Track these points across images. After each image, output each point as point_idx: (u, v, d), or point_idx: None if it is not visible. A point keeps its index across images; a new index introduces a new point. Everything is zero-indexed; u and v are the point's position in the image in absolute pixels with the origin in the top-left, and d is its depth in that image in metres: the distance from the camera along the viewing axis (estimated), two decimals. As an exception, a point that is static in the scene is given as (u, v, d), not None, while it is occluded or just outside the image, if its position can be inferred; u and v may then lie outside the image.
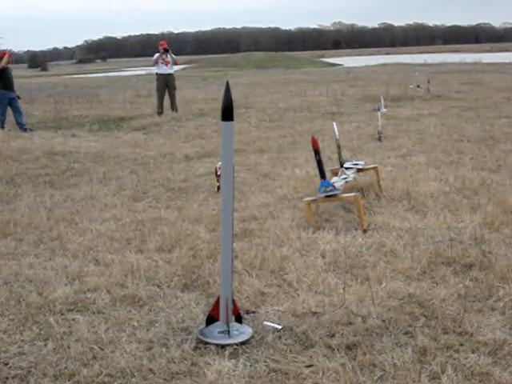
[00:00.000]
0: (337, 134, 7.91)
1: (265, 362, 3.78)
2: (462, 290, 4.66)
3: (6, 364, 3.86)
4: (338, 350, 3.87)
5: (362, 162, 8.17)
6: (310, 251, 5.70)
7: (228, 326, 4.09)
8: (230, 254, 4.10)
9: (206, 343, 4.01)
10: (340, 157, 7.87)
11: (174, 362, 3.80)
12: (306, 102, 19.29)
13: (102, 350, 3.97)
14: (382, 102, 11.44)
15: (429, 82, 21.08)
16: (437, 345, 3.90)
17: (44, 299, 4.76)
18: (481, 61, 44.25)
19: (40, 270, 5.41)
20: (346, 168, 7.71)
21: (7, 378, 3.70)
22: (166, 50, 18.30)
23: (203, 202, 7.69)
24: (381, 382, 3.55)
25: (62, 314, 4.53)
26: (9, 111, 16.10)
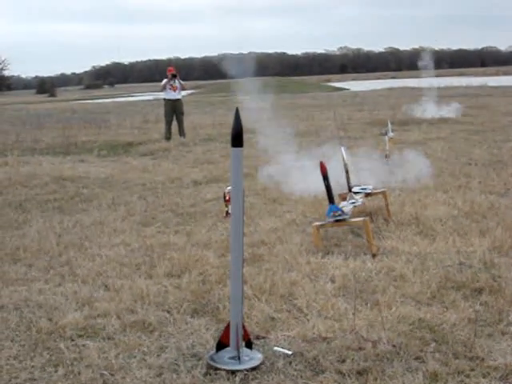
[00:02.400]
0: (345, 158, 7.93)
1: (275, 387, 3.78)
2: (472, 315, 4.65)
3: (17, 390, 3.87)
4: (348, 375, 3.86)
5: (370, 187, 8.18)
6: (320, 276, 5.70)
7: (238, 351, 4.09)
8: (240, 279, 4.11)
9: (217, 369, 4.01)
10: (348, 181, 7.88)
11: (185, 388, 3.80)
12: (314, 127, 19.36)
13: (113, 375, 3.97)
14: (390, 126, 11.43)
15: None
16: (448, 370, 3.88)
17: (54, 325, 4.77)
18: (487, 84, 44.34)
19: (50, 296, 5.43)
20: (355, 192, 7.72)
21: (18, 405, 3.71)
22: (174, 76, 18.41)
23: (212, 227, 7.71)
24: (392, 408, 3.54)
25: (73, 340, 4.54)
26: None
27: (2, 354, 4.34)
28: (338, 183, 9.37)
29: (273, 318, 4.79)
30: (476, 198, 8.40)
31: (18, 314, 5.05)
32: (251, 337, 4.30)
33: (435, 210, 7.88)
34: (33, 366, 4.16)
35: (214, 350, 4.19)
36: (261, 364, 4.06)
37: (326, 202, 6.75)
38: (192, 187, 10.69)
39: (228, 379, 3.90)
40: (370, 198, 8.08)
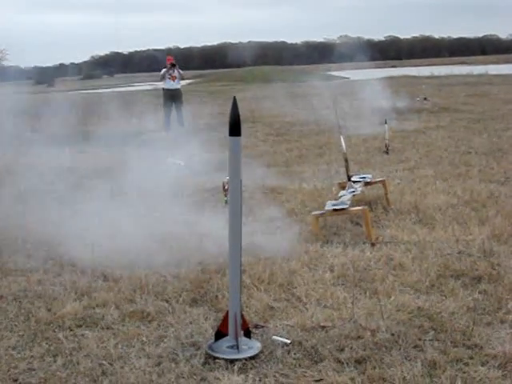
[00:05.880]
0: (344, 147, 7.92)
1: (274, 376, 3.78)
2: (471, 303, 4.66)
3: (16, 380, 3.88)
4: (347, 364, 3.86)
5: (369, 176, 8.17)
6: (318, 265, 5.70)
7: (237, 340, 4.09)
8: (239, 268, 4.11)
9: (215, 358, 4.02)
10: (347, 170, 7.87)
11: (184, 377, 3.80)
12: (313, 116, 19.31)
13: (112, 365, 3.98)
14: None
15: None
16: (446, 358, 3.89)
17: (53, 315, 4.78)
18: (487, 72, 44.18)
19: (49, 286, 5.43)
20: (354, 181, 7.71)
21: (17, 395, 3.72)
22: (173, 65, 18.35)
23: (211, 217, 7.69)
24: (390, 396, 3.55)
25: (71, 330, 4.54)
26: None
27: (1, 345, 4.35)
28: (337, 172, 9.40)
29: (271, 307, 4.80)
30: (476, 187, 8.40)
31: (16, 305, 5.06)
32: (250, 326, 4.31)
33: (435, 198, 7.88)
34: (32, 356, 4.16)
35: (213, 339, 4.20)
36: (259, 353, 4.06)
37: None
38: (191, 177, 10.66)
39: (227, 368, 3.91)
40: (369, 186, 8.07)
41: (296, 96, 29.04)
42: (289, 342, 4.19)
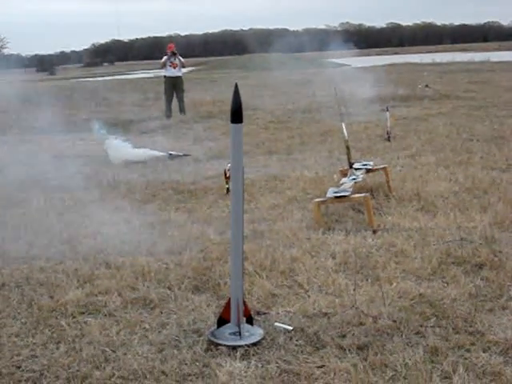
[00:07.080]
0: (346, 134, 7.91)
1: (276, 362, 3.80)
2: (472, 290, 4.66)
3: (19, 367, 3.89)
4: (349, 350, 3.87)
5: (371, 163, 8.16)
6: (320, 252, 5.71)
7: (239, 327, 4.10)
8: (241, 255, 4.11)
9: (218, 345, 4.03)
10: (349, 157, 7.87)
11: (186, 364, 3.82)
12: (315, 103, 19.28)
13: (114, 352, 3.99)
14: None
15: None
16: (448, 344, 3.90)
17: (55, 302, 4.79)
18: (489, 59, 44.02)
19: (51, 274, 5.44)
20: (356, 169, 7.70)
21: (20, 381, 3.74)
22: (174, 53, 18.33)
23: (213, 204, 7.70)
24: (392, 383, 3.56)
25: (74, 317, 4.55)
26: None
27: (4, 332, 4.36)
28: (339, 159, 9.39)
29: (273, 294, 4.80)
30: (477, 174, 8.39)
31: (19, 292, 5.07)
32: (252, 312, 4.31)
33: (436, 185, 7.87)
34: (34, 343, 4.18)
35: (215, 325, 4.21)
36: (261, 339, 4.07)
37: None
38: (193, 164, 10.67)
39: (229, 355, 3.92)
40: (371, 174, 8.06)
41: (297, 83, 28.98)
42: (291, 328, 4.20)
